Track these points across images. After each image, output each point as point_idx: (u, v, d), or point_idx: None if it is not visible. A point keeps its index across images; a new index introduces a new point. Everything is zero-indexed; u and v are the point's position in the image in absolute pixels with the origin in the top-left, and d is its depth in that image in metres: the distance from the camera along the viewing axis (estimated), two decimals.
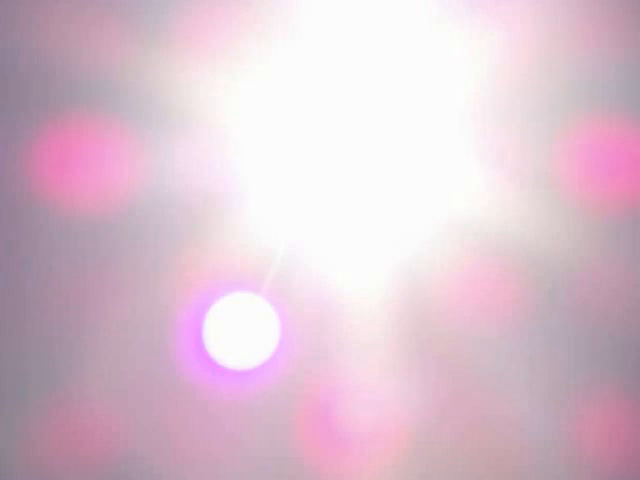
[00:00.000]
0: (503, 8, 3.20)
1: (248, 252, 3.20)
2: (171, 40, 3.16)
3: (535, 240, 3.21)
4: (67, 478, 3.10)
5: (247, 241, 3.19)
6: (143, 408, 3.17)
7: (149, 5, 3.17)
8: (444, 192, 3.24)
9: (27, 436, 3.11)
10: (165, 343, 3.18)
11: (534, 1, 3.21)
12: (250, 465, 3.14)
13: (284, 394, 3.18)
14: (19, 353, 3.16)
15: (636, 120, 3.25)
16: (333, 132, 3.27)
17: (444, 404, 3.20)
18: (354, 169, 3.28)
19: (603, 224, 3.23)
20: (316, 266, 3.23)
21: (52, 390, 3.15)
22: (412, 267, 3.22)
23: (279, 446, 3.15)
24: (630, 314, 3.25)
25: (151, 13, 3.17)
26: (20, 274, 3.18)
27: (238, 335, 3.16)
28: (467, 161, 3.24)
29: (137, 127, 3.19)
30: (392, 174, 3.26)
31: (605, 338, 3.24)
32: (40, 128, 3.19)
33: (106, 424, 3.15)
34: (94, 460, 3.12)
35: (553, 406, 3.20)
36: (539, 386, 3.22)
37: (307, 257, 3.24)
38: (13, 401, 3.13)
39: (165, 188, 3.19)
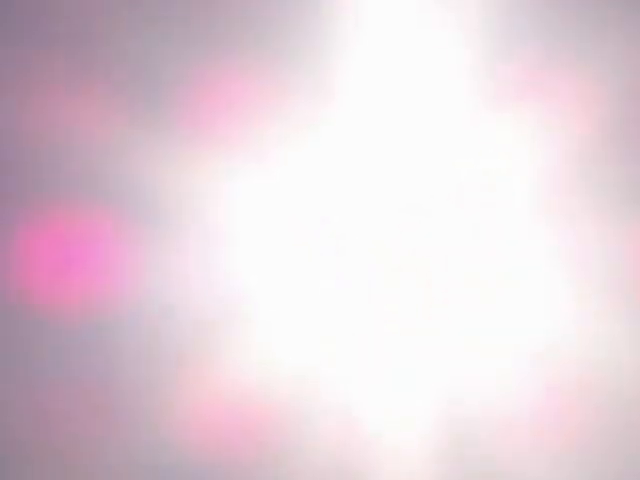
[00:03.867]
0: None
1: (261, 372, 2.81)
2: (173, 126, 2.87)
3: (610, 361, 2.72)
4: None
5: (260, 358, 2.81)
6: None
7: (149, 94, 2.94)
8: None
9: None
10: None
11: None
12: None
13: None
14: None
15: None
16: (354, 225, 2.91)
17: None
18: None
19: None
20: (341, 395, 2.80)
21: None
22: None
23: None
24: None
25: (151, 99, 2.92)
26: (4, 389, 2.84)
27: None
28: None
29: (136, 227, 2.85)
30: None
31: None
32: (29, 223, 2.85)
33: None
34: None
35: None
36: None
37: (329, 381, 2.81)
38: None
39: (165, 298, 2.83)
